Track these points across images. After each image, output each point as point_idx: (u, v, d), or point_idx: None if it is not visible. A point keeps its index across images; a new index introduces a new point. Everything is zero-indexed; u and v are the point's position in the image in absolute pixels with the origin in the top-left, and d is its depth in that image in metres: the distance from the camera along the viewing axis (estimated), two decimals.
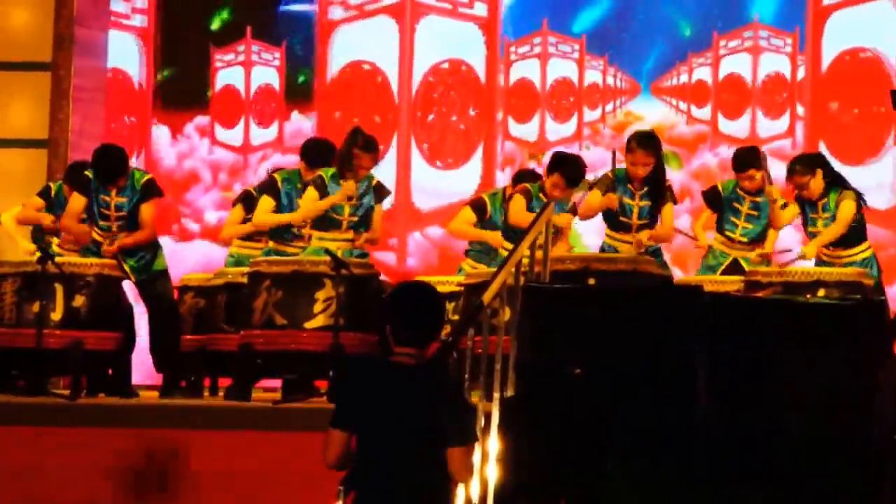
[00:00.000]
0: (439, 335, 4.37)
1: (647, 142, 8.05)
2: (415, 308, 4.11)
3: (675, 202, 8.28)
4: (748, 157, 8.51)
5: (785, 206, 8.47)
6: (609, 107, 11.58)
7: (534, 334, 4.69)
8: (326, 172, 7.98)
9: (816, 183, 8.30)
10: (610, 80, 11.53)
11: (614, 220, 8.15)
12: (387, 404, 4.02)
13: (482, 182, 11.20)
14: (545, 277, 6.61)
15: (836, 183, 8.39)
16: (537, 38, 11.46)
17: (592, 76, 11.54)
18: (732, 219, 8.53)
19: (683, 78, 11.42)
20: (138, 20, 12.12)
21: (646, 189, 8.06)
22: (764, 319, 4.21)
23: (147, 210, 8.19)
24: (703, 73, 11.43)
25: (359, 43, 11.56)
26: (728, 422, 4.00)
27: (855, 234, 8.35)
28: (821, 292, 7.71)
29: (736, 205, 8.53)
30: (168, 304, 8.43)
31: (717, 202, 8.63)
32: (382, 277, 8.28)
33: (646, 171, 7.98)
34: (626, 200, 8.06)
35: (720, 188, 8.68)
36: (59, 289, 7.79)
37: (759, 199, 8.49)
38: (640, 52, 11.44)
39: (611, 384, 4.31)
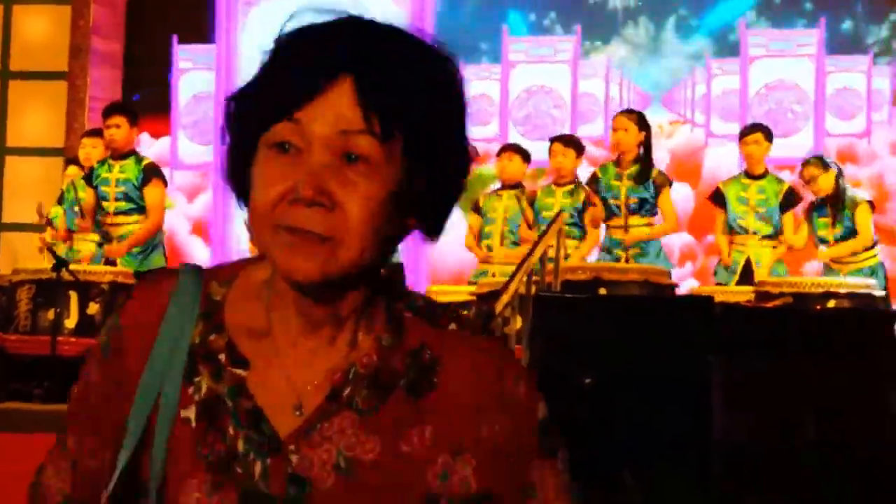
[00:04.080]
0: None
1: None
2: None
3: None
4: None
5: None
6: None
7: (545, 344, 4.71)
8: None
9: (826, 181, 8.21)
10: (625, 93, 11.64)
11: None
12: None
13: None
14: (556, 287, 6.64)
15: (846, 190, 8.38)
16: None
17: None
18: (741, 208, 8.35)
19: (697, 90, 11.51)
20: None
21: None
22: (773, 329, 4.23)
23: (152, 194, 8.08)
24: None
25: None
26: (738, 429, 4.02)
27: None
28: (831, 303, 7.68)
29: (742, 193, 8.37)
30: None
31: (720, 198, 8.44)
32: None
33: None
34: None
35: (720, 186, 8.52)
36: (73, 296, 7.82)
37: (762, 183, 8.35)
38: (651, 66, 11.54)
39: (621, 393, 4.32)
